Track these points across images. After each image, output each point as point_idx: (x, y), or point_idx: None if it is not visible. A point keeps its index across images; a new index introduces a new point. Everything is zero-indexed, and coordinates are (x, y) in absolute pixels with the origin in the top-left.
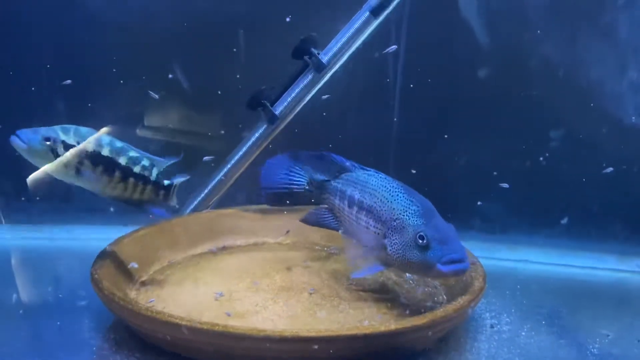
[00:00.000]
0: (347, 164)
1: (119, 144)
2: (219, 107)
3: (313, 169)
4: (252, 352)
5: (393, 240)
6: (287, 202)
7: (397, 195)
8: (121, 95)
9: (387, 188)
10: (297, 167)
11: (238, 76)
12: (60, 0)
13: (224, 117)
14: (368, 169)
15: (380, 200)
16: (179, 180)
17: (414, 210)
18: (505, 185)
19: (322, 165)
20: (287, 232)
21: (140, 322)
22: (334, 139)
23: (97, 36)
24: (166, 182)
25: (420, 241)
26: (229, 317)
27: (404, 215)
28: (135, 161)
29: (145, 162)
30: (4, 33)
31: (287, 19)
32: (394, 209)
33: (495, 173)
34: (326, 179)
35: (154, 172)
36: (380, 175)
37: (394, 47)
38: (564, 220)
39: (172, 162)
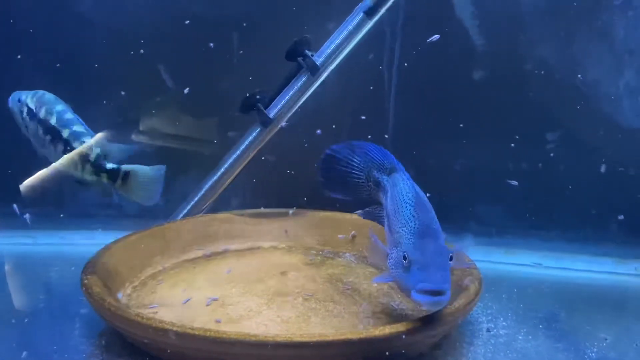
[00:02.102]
0: (395, 162)
1: (69, 115)
2: (213, 111)
3: (370, 163)
4: (245, 358)
5: (392, 253)
6: (345, 193)
7: (405, 206)
8: (115, 99)
9: (403, 196)
10: (357, 159)
11: (232, 79)
12: (54, 4)
13: (218, 120)
14: (406, 172)
15: (395, 208)
16: (129, 167)
17: (411, 227)
18: (514, 182)
19: (376, 160)
20: (286, 231)
21: (130, 328)
22: (328, 141)
23: (90, 39)
24: (110, 165)
25: (404, 261)
26: (219, 323)
27: (402, 230)
28: (76, 136)
29: (88, 139)
30: None
31: None
32: (398, 220)
33: (491, 176)
34: (380, 175)
35: (95, 151)
36: (407, 183)
37: (436, 36)
38: (602, 168)
39: (124, 147)
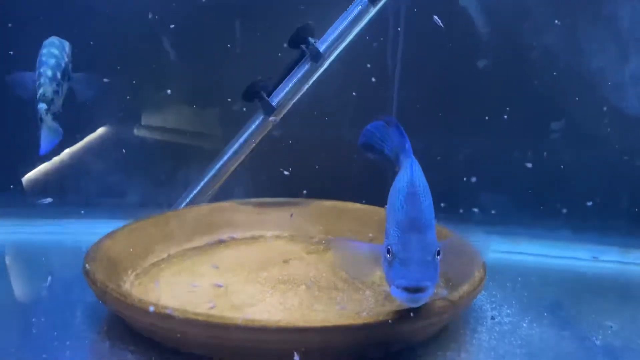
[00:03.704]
0: (409, 147)
1: (44, 57)
2: (215, 101)
3: (397, 144)
4: (248, 344)
5: (383, 245)
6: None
7: (397, 196)
8: (114, 92)
9: (399, 185)
10: (390, 134)
11: (235, 67)
12: None
13: (220, 110)
14: (415, 159)
15: (390, 198)
16: (43, 106)
17: (398, 219)
18: (529, 164)
19: (400, 140)
20: (291, 215)
21: (133, 314)
22: (330, 131)
23: (91, 29)
24: (40, 104)
25: (387, 255)
26: (212, 309)
27: (390, 222)
28: (39, 75)
29: (41, 80)
30: None
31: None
32: (389, 210)
33: (496, 165)
34: (402, 157)
35: (40, 91)
36: (407, 171)
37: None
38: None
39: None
